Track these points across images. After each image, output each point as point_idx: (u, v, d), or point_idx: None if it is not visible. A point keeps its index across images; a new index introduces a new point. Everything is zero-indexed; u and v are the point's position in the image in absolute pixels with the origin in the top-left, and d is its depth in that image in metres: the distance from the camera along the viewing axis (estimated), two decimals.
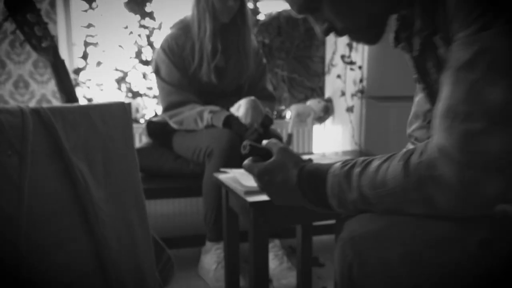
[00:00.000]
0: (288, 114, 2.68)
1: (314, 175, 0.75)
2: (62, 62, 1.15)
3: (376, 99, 2.34)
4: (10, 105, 0.90)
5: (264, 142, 0.87)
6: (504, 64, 0.56)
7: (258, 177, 0.82)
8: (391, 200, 0.65)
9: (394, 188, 0.64)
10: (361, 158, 0.71)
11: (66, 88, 1.16)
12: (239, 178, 1.30)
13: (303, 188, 0.77)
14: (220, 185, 1.48)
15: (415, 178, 0.61)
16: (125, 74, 2.48)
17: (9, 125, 0.84)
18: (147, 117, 2.51)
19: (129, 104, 1.14)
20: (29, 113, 0.88)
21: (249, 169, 0.84)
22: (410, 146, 0.71)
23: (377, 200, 0.67)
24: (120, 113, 1.09)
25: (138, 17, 2.42)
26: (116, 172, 1.08)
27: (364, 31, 0.75)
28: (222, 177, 1.41)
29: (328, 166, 0.74)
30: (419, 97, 0.92)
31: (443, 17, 0.64)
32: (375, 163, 0.68)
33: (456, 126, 0.58)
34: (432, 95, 0.77)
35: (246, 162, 0.85)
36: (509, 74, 0.56)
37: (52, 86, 2.30)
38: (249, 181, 1.29)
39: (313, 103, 2.65)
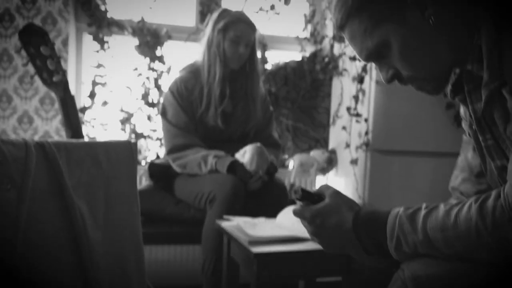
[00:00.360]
0: (291, 163, 2.66)
1: (373, 218, 0.75)
2: (72, 97, 1.14)
3: (381, 152, 2.33)
4: (15, 137, 0.87)
5: (309, 188, 0.87)
6: None
7: (310, 220, 0.81)
8: (461, 244, 0.65)
9: (468, 230, 0.64)
10: (425, 204, 0.72)
11: (73, 124, 1.14)
12: (243, 227, 1.25)
13: (358, 232, 0.76)
14: (222, 232, 1.43)
15: (491, 220, 0.63)
16: (130, 115, 2.48)
17: (12, 158, 0.81)
18: (149, 159, 2.48)
19: (135, 144, 1.12)
20: (34, 146, 0.86)
21: (300, 213, 0.82)
22: (453, 200, 0.71)
23: (443, 244, 0.67)
24: (126, 153, 1.07)
25: (148, 59, 2.45)
26: (117, 213, 1.04)
27: (429, 81, 0.78)
28: (225, 224, 1.37)
29: (389, 209, 0.75)
30: (468, 152, 0.93)
31: None
32: (443, 207, 0.69)
33: None
34: (489, 148, 0.78)
35: (296, 207, 0.84)
36: None
37: (56, 123, 2.29)
38: (254, 230, 1.24)
39: (316, 154, 2.63)
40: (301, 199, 0.83)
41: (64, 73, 1.13)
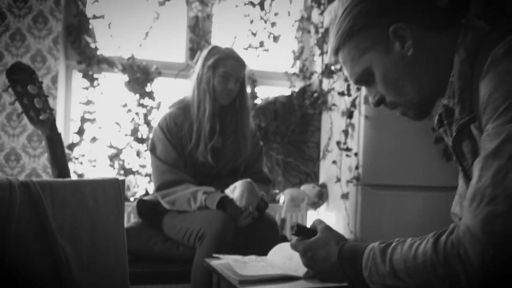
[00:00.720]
0: (282, 198, 2.64)
1: (353, 251, 0.81)
2: (58, 135, 1.13)
3: (371, 186, 2.32)
4: (1, 175, 0.85)
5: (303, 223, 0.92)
6: None
7: (302, 253, 0.89)
8: (419, 275, 0.70)
9: (424, 262, 0.69)
10: (397, 238, 0.78)
11: (59, 162, 1.13)
12: (233, 266, 1.22)
13: (343, 265, 0.82)
14: (211, 271, 1.39)
15: (443, 254, 0.67)
16: (119, 151, 2.46)
17: None
18: (138, 196, 2.44)
19: (122, 181, 1.10)
20: (18, 186, 0.84)
21: (295, 247, 0.91)
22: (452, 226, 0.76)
23: (406, 275, 0.72)
24: (112, 191, 1.05)
25: (137, 95, 2.45)
26: (103, 253, 1.01)
27: (410, 108, 0.85)
28: (214, 263, 1.33)
29: (368, 243, 0.81)
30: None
31: (480, 108, 0.71)
32: (409, 241, 0.75)
33: (481, 208, 0.64)
34: (466, 178, 0.82)
35: (292, 241, 0.92)
36: None
37: (43, 160, 2.26)
38: (244, 270, 1.21)
39: (307, 188, 2.61)
40: (297, 234, 0.91)
41: (51, 111, 1.12)
